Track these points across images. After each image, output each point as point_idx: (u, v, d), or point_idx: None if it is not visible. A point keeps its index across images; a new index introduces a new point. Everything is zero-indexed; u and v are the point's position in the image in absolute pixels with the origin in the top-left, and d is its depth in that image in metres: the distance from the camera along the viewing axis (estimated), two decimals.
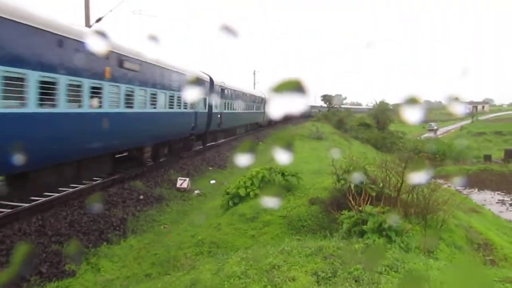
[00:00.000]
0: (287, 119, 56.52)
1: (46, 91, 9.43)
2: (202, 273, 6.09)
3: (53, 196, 11.39)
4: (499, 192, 27.86)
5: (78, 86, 10.71)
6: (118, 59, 12.88)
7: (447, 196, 9.45)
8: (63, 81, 9.95)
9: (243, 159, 1.87)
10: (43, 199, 11.12)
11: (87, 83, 10.98)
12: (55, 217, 10.36)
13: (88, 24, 20.26)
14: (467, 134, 74.45)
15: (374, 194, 8.33)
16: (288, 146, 1.72)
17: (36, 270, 8.26)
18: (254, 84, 65.24)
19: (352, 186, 8.69)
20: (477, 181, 31.38)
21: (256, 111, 43.93)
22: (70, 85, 10.33)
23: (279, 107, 1.34)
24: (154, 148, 17.66)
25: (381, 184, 9.00)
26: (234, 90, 32.46)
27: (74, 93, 10.60)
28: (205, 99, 23.37)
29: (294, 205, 10.14)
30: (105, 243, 10.28)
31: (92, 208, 10.11)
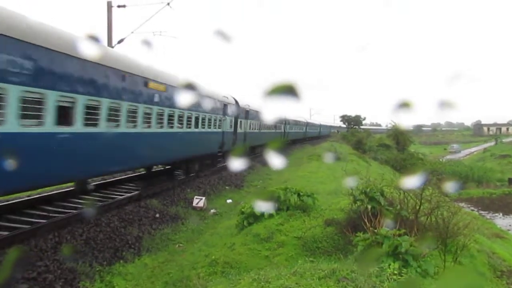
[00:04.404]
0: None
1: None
2: None
3: (70, 214, 11.54)
4: None
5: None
6: None
7: (468, 219, 9.14)
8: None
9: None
10: (61, 215, 11.29)
11: None
12: (72, 234, 10.45)
13: (110, 45, 20.86)
14: (491, 157, 72.67)
15: (391, 216, 8.13)
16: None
17: (51, 286, 8.31)
18: None
19: (369, 207, 8.51)
20: (502, 205, 30.45)
21: (207, 130, 20.51)
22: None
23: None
24: None
25: (399, 206, 8.78)
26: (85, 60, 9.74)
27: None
28: None
29: (309, 226, 9.98)
30: (119, 261, 10.30)
31: None
